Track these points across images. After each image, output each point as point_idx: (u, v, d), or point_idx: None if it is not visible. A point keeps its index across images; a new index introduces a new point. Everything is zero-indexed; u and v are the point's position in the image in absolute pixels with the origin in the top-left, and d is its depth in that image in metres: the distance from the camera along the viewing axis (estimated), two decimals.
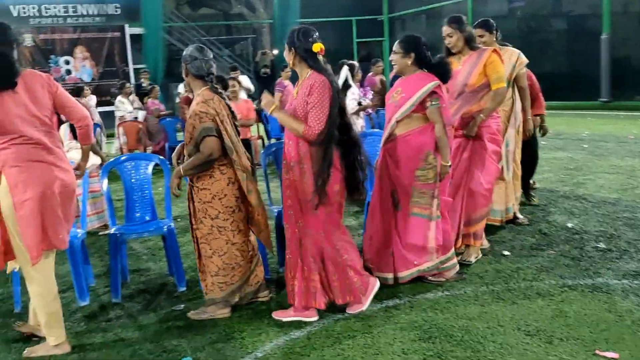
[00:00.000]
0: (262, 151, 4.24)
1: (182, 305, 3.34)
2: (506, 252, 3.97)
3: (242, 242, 3.17)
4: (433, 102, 3.32)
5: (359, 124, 5.91)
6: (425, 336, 2.82)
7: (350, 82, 5.88)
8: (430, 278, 3.48)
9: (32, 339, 2.99)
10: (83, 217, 3.78)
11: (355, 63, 6.02)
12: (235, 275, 3.14)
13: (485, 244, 4.01)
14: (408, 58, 3.39)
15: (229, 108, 3.19)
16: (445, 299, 3.26)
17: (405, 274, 3.43)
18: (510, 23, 16.89)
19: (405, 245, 3.41)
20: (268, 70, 9.13)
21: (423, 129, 3.37)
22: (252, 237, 3.29)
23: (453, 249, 3.55)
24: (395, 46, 3.44)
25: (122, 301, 3.46)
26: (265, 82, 9.60)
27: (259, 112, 8.63)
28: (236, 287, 3.15)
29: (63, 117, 3.24)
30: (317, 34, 3.02)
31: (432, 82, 3.32)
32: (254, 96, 9.34)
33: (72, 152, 4.74)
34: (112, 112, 10.33)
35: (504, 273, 3.60)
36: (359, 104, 5.92)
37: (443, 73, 3.39)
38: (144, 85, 10.67)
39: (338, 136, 2.99)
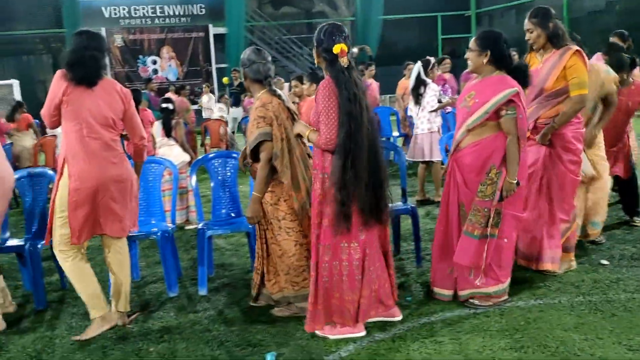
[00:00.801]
0: None
1: (264, 302, 3.38)
2: (604, 262, 3.73)
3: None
4: (509, 112, 2.99)
5: (437, 121, 5.74)
6: (517, 345, 2.70)
7: (424, 77, 5.72)
8: (476, 302, 3.16)
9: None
10: (173, 212, 3.94)
11: (432, 59, 5.83)
12: (305, 279, 3.04)
13: (573, 265, 3.66)
14: (484, 56, 3.08)
15: (289, 110, 3.12)
16: (538, 307, 3.10)
17: (466, 293, 3.19)
18: (608, 19, 15.70)
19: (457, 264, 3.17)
20: (362, 68, 8.97)
21: (494, 138, 3.05)
22: None
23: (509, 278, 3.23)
24: (471, 42, 3.16)
25: (207, 294, 3.56)
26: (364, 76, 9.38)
27: None
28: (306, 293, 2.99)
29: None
30: (345, 34, 2.79)
31: (510, 89, 2.99)
32: None
33: (164, 149, 4.96)
34: (198, 111, 10.70)
35: (603, 283, 3.38)
36: (439, 101, 5.74)
37: (523, 77, 3.09)
38: (235, 84, 10.96)
39: (363, 145, 2.75)
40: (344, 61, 2.76)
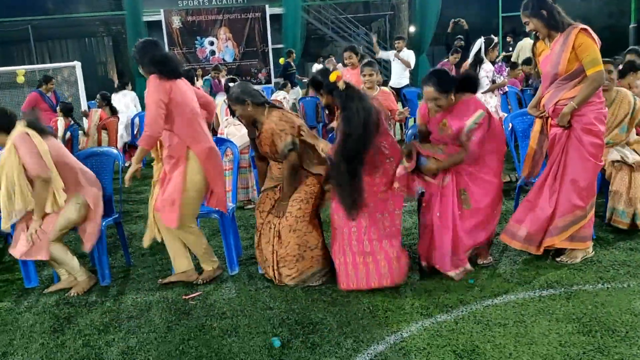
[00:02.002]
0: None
1: (321, 281, 3.40)
2: None
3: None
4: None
5: (492, 102, 5.57)
6: (585, 329, 2.63)
7: (483, 56, 5.55)
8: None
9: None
10: (234, 192, 4.00)
11: (495, 38, 5.65)
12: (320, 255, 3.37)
13: (590, 252, 3.51)
14: (450, 96, 3.27)
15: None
16: (606, 292, 3.01)
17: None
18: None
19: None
20: (462, 42, 8.53)
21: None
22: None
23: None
24: (432, 92, 3.24)
25: None
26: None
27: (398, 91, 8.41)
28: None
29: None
30: (332, 67, 3.12)
31: (479, 113, 3.27)
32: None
33: (231, 128, 5.01)
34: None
35: None
36: (493, 81, 5.57)
37: (473, 85, 3.38)
38: (292, 65, 10.97)
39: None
40: (340, 85, 3.16)
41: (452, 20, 8.59)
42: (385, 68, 15.20)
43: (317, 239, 3.36)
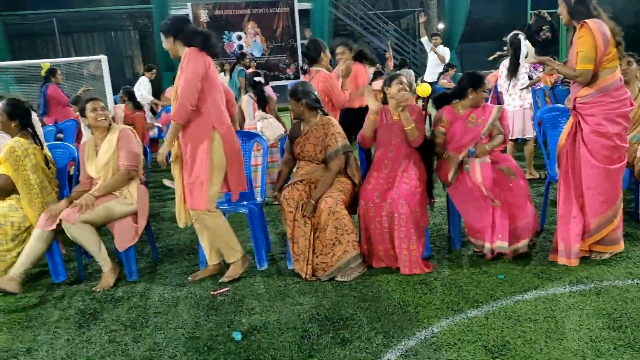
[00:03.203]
0: None
1: (356, 274, 3.42)
2: None
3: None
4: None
5: (527, 98, 5.57)
6: (616, 325, 2.62)
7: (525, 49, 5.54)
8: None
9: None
10: (262, 187, 4.00)
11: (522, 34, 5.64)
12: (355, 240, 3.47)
13: (620, 247, 3.47)
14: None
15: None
16: (636, 287, 3.00)
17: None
18: None
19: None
20: (549, 34, 8.45)
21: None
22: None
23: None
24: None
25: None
26: (545, 47, 8.90)
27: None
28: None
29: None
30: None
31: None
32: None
33: (264, 122, 5.01)
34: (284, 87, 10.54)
35: None
36: (530, 78, 5.56)
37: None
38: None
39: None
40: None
41: (533, 12, 8.46)
42: (414, 63, 14.97)
43: (352, 225, 3.43)
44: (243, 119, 5.43)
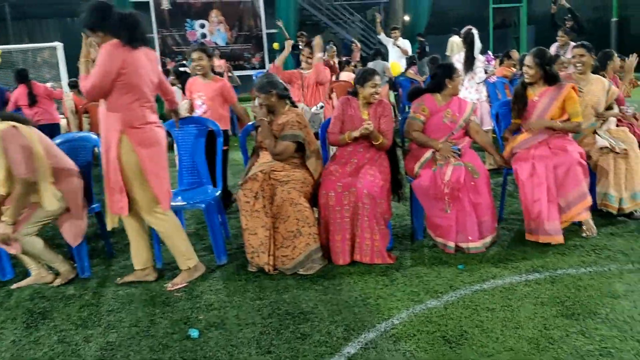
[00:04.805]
0: None
1: (317, 267, 3.39)
2: None
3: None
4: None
5: (484, 91, 5.69)
6: (568, 312, 2.69)
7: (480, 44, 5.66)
8: None
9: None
10: (218, 177, 3.90)
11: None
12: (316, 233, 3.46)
13: (594, 231, 3.67)
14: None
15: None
16: (589, 275, 3.08)
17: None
18: None
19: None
20: (572, 22, 8.36)
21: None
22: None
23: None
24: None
25: None
26: (568, 34, 8.71)
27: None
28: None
29: None
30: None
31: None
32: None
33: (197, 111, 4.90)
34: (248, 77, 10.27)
35: None
36: (485, 71, 5.65)
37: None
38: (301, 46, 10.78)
39: None
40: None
41: (552, 1, 8.41)
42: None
43: (313, 217, 3.41)
44: None
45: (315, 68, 4.51)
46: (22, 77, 7.20)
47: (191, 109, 4.42)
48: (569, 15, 8.15)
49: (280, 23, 10.74)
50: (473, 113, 3.82)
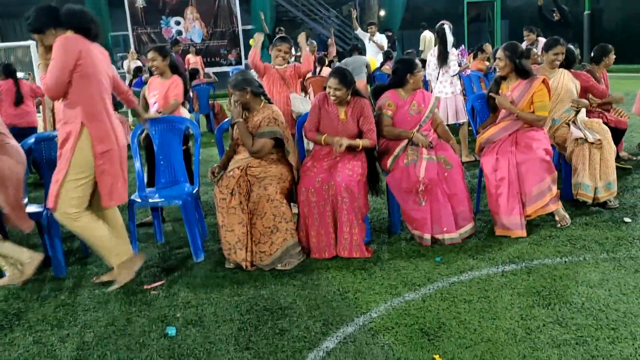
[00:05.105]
0: None
1: (295, 262, 3.39)
2: (627, 219, 3.75)
3: None
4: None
5: (458, 84, 5.74)
6: (544, 302, 2.72)
7: (452, 38, 5.71)
8: None
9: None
10: (196, 174, 3.87)
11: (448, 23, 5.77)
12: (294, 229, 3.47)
13: (567, 220, 3.73)
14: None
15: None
16: (564, 265, 3.12)
17: None
18: None
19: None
20: (555, 15, 8.17)
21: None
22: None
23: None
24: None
25: None
26: (554, 28, 8.32)
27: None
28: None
29: None
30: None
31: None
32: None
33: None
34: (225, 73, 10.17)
35: (626, 240, 3.40)
36: (459, 64, 5.70)
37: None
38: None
39: None
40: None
41: None
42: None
43: (290, 213, 3.40)
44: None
45: (307, 59, 4.49)
46: (9, 72, 6.96)
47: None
48: (555, 9, 8.18)
49: (262, 15, 10.73)
50: (437, 105, 3.85)
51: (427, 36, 11.84)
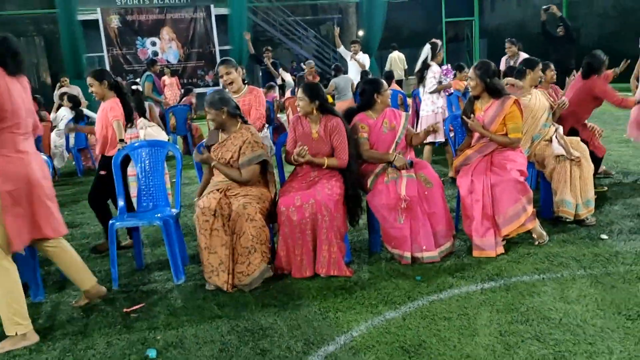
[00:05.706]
0: None
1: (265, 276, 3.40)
2: (604, 236, 3.82)
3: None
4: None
5: (439, 103, 5.83)
6: (523, 318, 2.75)
7: (430, 61, 5.79)
8: None
9: None
10: (177, 197, 3.87)
11: (438, 42, 5.88)
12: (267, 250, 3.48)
13: (545, 238, 3.78)
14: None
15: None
16: (542, 282, 3.16)
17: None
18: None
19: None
20: (560, 30, 8.03)
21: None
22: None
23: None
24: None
25: None
26: (558, 44, 8.29)
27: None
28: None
29: None
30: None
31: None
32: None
33: (149, 130, 4.85)
34: (202, 94, 10.29)
35: (602, 257, 3.46)
36: (439, 82, 5.79)
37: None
38: (266, 60, 10.44)
39: None
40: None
41: (543, 8, 8.14)
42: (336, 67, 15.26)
43: (267, 236, 3.41)
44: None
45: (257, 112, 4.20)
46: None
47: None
48: (561, 24, 8.19)
49: (247, 36, 10.71)
50: (408, 122, 3.90)
51: (394, 56, 12.41)
